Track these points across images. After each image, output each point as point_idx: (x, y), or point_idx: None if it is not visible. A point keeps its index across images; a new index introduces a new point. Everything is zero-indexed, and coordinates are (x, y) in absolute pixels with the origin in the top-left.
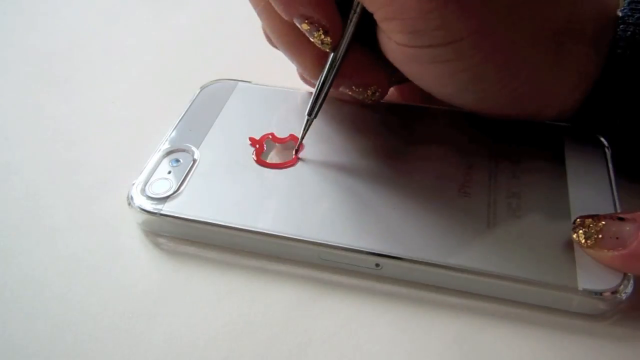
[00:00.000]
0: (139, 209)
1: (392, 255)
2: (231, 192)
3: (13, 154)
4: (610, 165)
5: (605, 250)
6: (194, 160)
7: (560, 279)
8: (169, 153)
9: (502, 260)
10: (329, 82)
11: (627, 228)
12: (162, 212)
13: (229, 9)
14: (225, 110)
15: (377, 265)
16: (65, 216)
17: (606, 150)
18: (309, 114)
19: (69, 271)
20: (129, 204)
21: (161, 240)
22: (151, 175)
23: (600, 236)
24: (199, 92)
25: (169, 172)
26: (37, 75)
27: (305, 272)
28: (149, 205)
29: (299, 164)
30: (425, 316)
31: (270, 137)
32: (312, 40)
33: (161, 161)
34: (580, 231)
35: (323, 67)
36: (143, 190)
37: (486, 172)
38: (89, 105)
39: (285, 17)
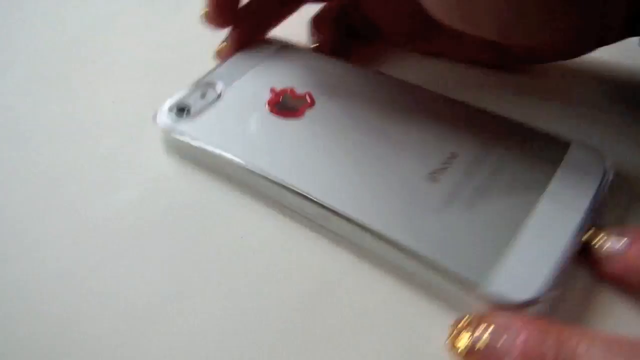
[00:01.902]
0: (161, 125)
1: (328, 207)
2: (239, 130)
3: (12, 153)
4: (600, 190)
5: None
6: (219, 96)
7: (471, 273)
8: (201, 85)
9: (425, 241)
10: None
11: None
12: (174, 134)
13: None
14: (264, 63)
15: (319, 213)
16: (64, 217)
17: (605, 174)
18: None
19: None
20: (154, 118)
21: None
22: (178, 99)
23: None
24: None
25: (193, 101)
26: (37, 74)
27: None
28: (166, 123)
29: (303, 118)
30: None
31: (289, 91)
32: None
33: (192, 88)
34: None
35: None
36: (166, 111)
37: (466, 165)
38: (89, 105)
39: None
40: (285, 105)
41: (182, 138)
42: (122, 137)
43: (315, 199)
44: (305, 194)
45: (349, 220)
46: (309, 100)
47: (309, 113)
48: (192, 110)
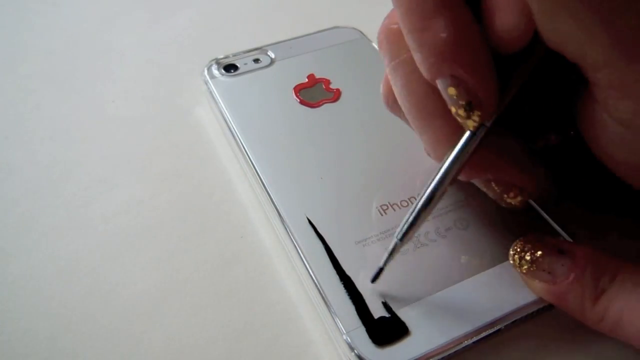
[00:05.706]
0: (204, 78)
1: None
2: (259, 102)
3: (13, 153)
4: None
5: (537, 281)
6: (267, 66)
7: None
8: (258, 51)
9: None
10: (441, 191)
11: (561, 264)
12: (209, 85)
13: (229, 7)
14: (327, 49)
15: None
16: (64, 216)
17: None
18: (400, 238)
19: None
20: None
21: None
22: (233, 56)
23: (533, 267)
24: (328, 29)
25: (245, 64)
26: (37, 74)
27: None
28: (207, 76)
29: (317, 109)
30: None
31: (323, 82)
32: (453, 111)
33: (249, 52)
34: (516, 255)
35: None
36: (217, 66)
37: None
38: (89, 104)
39: (428, 76)
40: (309, 94)
41: (215, 90)
42: (121, 137)
43: (262, 181)
44: (255, 169)
45: (282, 221)
46: (333, 96)
47: (326, 107)
48: (239, 71)
